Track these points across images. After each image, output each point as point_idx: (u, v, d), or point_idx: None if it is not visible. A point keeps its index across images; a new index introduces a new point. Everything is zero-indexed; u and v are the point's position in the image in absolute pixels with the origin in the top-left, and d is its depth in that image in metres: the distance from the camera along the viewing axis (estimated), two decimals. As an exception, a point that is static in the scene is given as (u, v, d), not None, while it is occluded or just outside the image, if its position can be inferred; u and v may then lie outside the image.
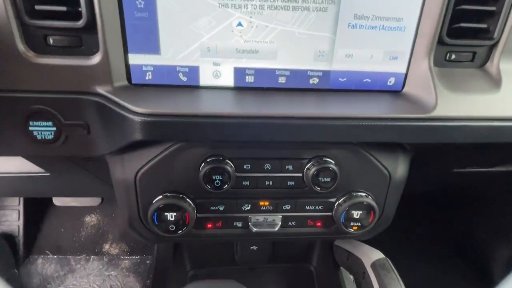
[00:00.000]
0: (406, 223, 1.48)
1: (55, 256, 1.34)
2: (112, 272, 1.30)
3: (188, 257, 0.76)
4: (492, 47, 0.47)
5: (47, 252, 1.35)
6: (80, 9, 0.41)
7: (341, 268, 0.69)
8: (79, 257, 1.34)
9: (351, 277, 0.71)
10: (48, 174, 0.68)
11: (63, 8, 0.40)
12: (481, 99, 0.45)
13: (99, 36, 0.42)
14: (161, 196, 0.49)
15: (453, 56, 0.47)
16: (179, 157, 0.48)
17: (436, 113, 0.44)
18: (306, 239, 0.76)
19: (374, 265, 0.54)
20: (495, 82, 0.47)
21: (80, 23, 0.41)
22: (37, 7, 0.40)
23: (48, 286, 1.25)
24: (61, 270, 1.29)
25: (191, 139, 0.46)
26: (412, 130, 0.45)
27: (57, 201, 1.13)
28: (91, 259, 1.34)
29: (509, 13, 0.44)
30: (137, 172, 0.48)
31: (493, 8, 0.44)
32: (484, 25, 0.45)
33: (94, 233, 1.41)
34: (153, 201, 0.49)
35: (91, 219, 1.45)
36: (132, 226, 0.53)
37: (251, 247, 0.76)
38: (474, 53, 0.48)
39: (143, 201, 0.50)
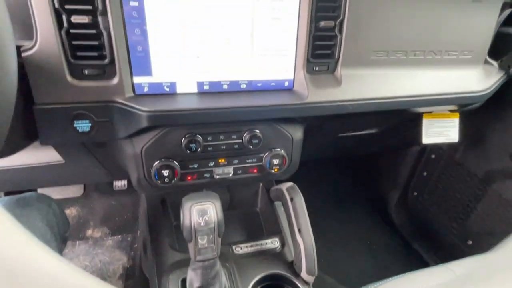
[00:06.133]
0: (325, 184, 1.96)
1: (42, 246, 1.53)
2: (99, 250, 1.54)
3: (172, 211, 1.08)
4: (336, 62, 0.88)
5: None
6: (105, 53, 0.71)
7: (275, 203, 1.07)
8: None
9: (281, 207, 1.10)
10: (63, 162, 0.94)
11: (95, 54, 0.70)
12: (332, 91, 0.86)
13: (116, 67, 0.72)
14: (158, 161, 0.82)
15: (317, 68, 0.87)
16: (169, 136, 0.80)
17: (308, 99, 0.83)
18: (252, 185, 1.14)
19: (287, 188, 0.93)
20: (339, 81, 0.87)
21: (106, 61, 0.71)
22: (78, 53, 0.70)
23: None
24: (52, 255, 1.50)
25: (175, 124, 0.79)
26: (298, 110, 0.83)
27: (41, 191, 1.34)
28: (77, 243, 1.57)
29: (339, 43, 0.84)
30: (142, 147, 0.80)
31: (332, 43, 0.84)
32: (324, 51, 0.85)
33: (76, 223, 1.63)
34: (153, 165, 0.81)
35: (71, 212, 1.66)
36: (139, 183, 0.84)
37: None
38: (328, 65, 0.88)
39: (147, 166, 0.82)
